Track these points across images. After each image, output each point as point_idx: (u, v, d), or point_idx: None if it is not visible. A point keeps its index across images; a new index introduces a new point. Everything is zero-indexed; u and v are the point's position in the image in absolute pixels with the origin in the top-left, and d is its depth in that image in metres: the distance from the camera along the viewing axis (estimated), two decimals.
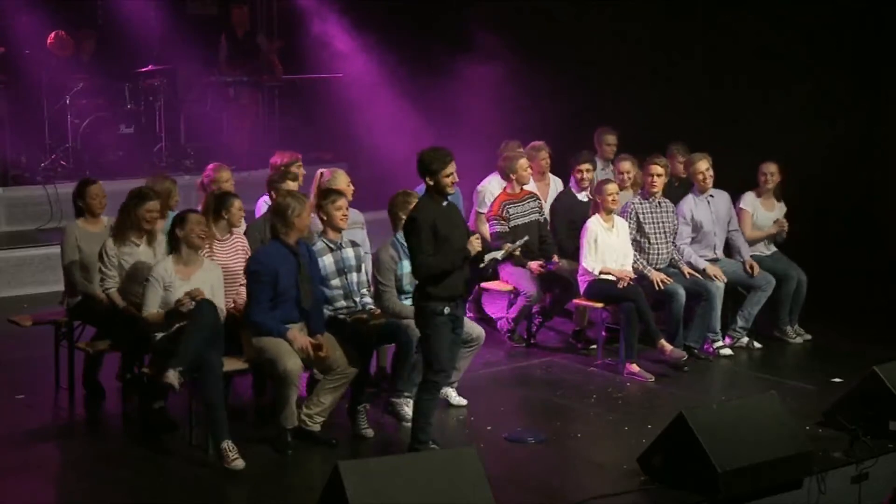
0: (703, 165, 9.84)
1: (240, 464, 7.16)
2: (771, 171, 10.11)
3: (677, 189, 10.12)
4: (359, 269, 8.14)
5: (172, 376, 7.25)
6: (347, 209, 8.18)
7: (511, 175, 9.96)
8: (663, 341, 9.21)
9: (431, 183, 7.23)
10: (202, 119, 13.97)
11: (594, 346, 9.77)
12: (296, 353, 7.46)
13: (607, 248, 9.39)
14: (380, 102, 13.63)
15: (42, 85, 12.83)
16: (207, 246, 7.96)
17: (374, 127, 13.50)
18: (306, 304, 7.60)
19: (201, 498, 6.96)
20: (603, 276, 9.35)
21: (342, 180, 8.91)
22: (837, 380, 9.02)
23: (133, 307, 7.89)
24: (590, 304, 9.58)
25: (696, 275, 9.65)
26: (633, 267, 9.48)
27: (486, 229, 9.93)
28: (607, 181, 9.64)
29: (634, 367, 9.14)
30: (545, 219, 10.09)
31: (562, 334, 10.28)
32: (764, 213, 10.17)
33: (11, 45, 12.88)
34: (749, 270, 9.84)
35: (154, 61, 13.65)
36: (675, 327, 9.41)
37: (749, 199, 10.17)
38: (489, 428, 8.05)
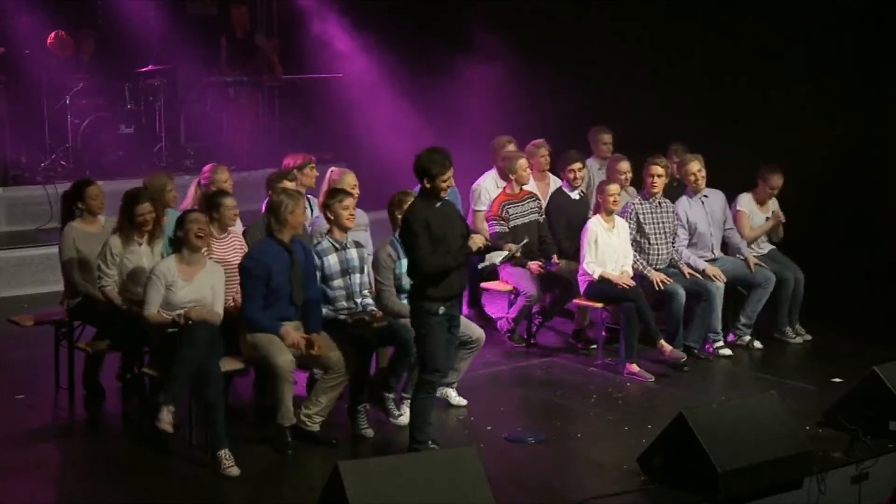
0: (695, 166, 9.84)
1: (234, 471, 7.13)
2: (779, 185, 10.08)
3: (676, 189, 10.12)
4: (362, 271, 8.13)
5: (166, 419, 7.28)
6: (354, 209, 8.19)
7: (511, 175, 9.96)
8: (663, 342, 9.22)
9: (428, 186, 7.23)
10: (202, 119, 13.97)
11: (594, 346, 9.77)
12: (288, 350, 7.47)
13: (607, 249, 9.39)
14: (380, 102, 13.63)
15: (42, 85, 12.82)
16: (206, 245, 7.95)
17: (374, 127, 13.50)
18: (298, 301, 7.61)
19: (201, 498, 6.96)
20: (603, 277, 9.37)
21: (349, 181, 8.91)
22: (837, 380, 9.02)
23: (133, 305, 7.89)
24: (590, 304, 9.58)
25: (696, 275, 9.65)
26: (633, 267, 9.49)
27: (484, 227, 9.94)
28: (609, 181, 9.64)
29: (634, 367, 9.14)
30: (545, 219, 10.09)
31: (562, 334, 10.28)
32: (759, 214, 10.18)
33: (11, 45, 12.88)
34: (751, 268, 9.84)
35: (154, 61, 13.64)
36: (675, 327, 9.42)
37: (745, 201, 10.16)
38: (489, 428, 8.05)
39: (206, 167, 9.22)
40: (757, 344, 9.90)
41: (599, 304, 9.46)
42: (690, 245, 9.84)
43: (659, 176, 9.64)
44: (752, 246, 10.11)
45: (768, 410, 7.33)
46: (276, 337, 7.51)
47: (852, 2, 12.40)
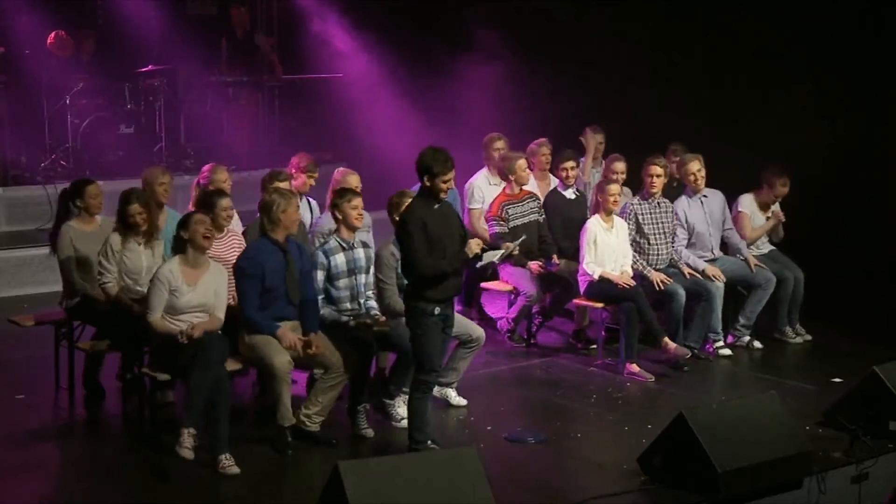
0: (695, 166, 9.83)
1: (234, 471, 7.13)
2: (784, 193, 10.06)
3: (675, 189, 10.12)
4: (367, 271, 8.13)
5: (187, 443, 7.20)
6: (362, 209, 8.18)
7: (510, 176, 9.95)
8: (667, 339, 9.20)
9: (428, 185, 7.19)
10: (202, 119, 13.97)
11: (594, 346, 9.77)
12: (285, 350, 7.47)
13: (606, 249, 9.39)
14: (380, 102, 13.64)
15: (42, 85, 12.82)
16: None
17: (375, 127, 13.51)
18: (294, 300, 7.61)
19: (201, 498, 6.95)
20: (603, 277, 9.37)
21: (353, 182, 8.91)
22: (837, 380, 9.02)
23: (133, 303, 7.89)
24: (590, 303, 9.58)
25: (696, 275, 9.65)
26: (633, 267, 9.49)
27: (479, 225, 9.94)
28: (609, 181, 9.64)
29: (634, 367, 9.14)
30: (545, 219, 10.09)
31: (562, 334, 10.28)
32: (760, 215, 10.17)
33: (11, 45, 12.88)
34: (751, 269, 9.84)
35: (154, 61, 13.64)
36: (675, 327, 9.42)
37: (747, 202, 10.15)
38: (489, 428, 8.05)
39: (206, 167, 9.23)
40: (757, 344, 9.90)
41: (599, 304, 9.46)
42: (689, 245, 9.84)
43: (658, 176, 9.64)
44: (752, 246, 10.11)
45: (768, 410, 7.33)
46: (272, 338, 7.51)
47: (852, 2, 12.40)
